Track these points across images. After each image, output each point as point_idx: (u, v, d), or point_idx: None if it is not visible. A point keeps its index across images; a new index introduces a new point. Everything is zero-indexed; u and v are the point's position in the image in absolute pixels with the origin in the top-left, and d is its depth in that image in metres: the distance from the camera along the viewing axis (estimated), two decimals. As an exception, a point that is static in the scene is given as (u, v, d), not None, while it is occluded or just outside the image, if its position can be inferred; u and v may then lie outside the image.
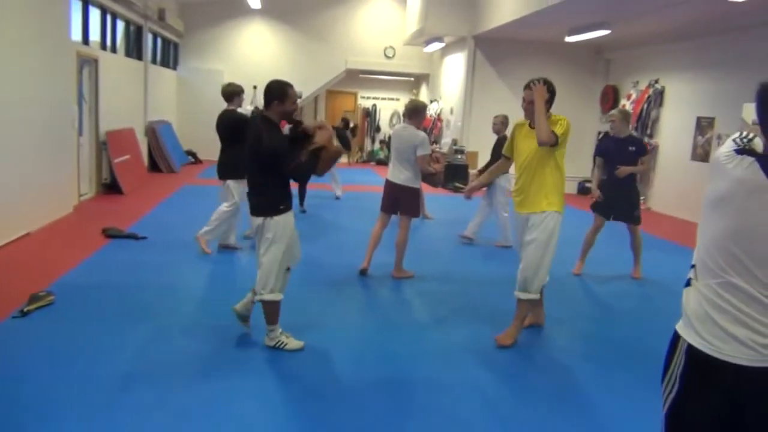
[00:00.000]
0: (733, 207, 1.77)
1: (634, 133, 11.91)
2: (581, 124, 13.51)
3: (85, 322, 4.43)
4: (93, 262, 6.03)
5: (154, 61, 14.00)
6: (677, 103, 11.08)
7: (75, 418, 3.10)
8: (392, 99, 19.12)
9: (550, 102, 4.23)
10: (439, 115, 15.71)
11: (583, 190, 13.21)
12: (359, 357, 4.10)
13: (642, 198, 11.72)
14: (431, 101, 16.41)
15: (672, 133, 11.20)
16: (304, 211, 9.16)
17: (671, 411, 1.90)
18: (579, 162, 13.54)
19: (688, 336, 1.85)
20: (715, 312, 1.78)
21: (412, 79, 18.61)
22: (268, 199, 3.93)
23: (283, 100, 3.88)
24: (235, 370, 3.76)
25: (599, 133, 13.30)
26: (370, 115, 18.91)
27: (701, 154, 10.34)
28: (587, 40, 12.04)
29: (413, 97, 18.92)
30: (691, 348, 1.83)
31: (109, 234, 7.02)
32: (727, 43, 9.70)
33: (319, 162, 3.95)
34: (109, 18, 11.13)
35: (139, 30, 12.81)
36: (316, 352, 4.10)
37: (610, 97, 12.95)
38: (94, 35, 10.55)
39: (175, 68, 15.99)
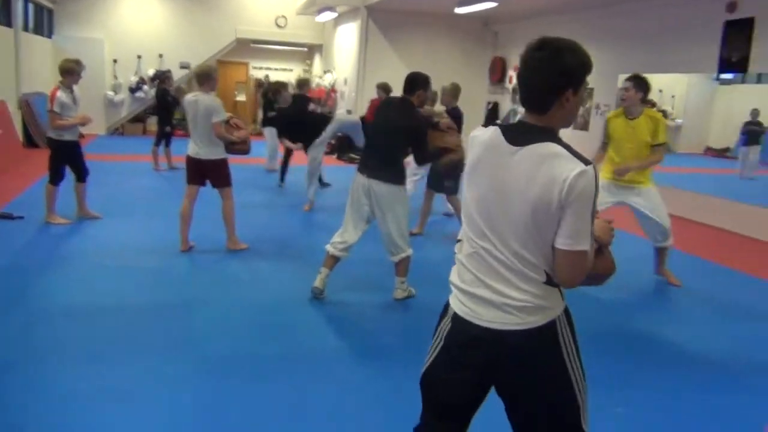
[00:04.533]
0: (483, 172, 1.84)
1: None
2: (472, 94, 13.82)
3: (-44, 309, 4.12)
4: (-37, 245, 5.61)
5: (25, 29, 12.98)
6: (560, 74, 11.57)
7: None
8: (285, 70, 18.77)
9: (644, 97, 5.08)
10: (333, 86, 15.62)
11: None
12: (257, 329, 4.08)
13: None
14: (325, 72, 16.27)
15: (556, 103, 11.70)
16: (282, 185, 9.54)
17: (429, 370, 1.97)
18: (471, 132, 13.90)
19: (454, 304, 1.92)
20: (472, 280, 1.85)
21: (305, 49, 18.35)
22: (398, 170, 4.47)
23: (426, 90, 4.48)
24: (123, 350, 3.64)
25: (488, 103, 13.70)
26: (262, 86, 18.51)
27: (581, 123, 10.88)
28: (476, 11, 12.28)
29: (306, 68, 18.68)
30: (456, 314, 1.90)
31: (-19, 215, 6.53)
32: (606, 16, 10.21)
33: (439, 159, 4.61)
34: (-30, -20, 10.19)
35: (6, -6, 11.82)
36: (207, 328, 4.05)
37: (498, 69, 13.34)
38: (-46, -1, 9.64)
39: (50, 36, 14.91)
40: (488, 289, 1.81)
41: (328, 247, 4.64)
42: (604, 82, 10.32)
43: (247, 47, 17.44)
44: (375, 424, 3.01)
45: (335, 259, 4.64)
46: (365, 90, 13.40)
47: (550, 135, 1.77)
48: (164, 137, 10.41)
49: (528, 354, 1.80)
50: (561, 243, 1.73)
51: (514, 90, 12.60)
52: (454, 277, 1.94)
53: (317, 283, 4.62)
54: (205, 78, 5.56)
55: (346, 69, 14.53)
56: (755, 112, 9.14)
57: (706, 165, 11.10)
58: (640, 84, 4.98)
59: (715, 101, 10.62)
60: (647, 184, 5.25)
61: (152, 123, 14.44)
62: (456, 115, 6.36)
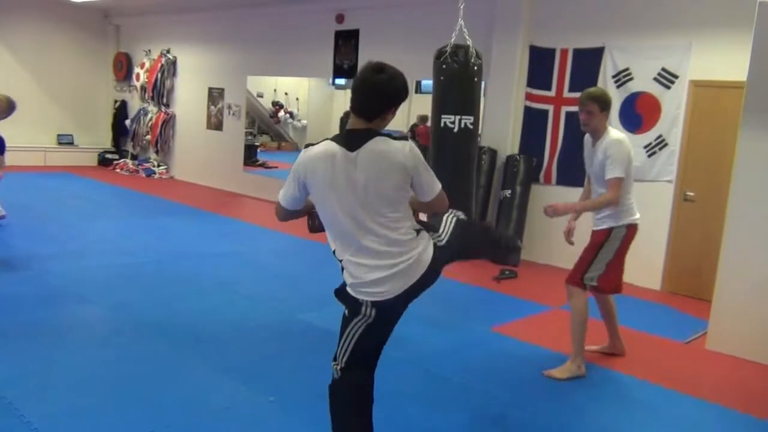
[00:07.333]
0: (337, 181, 2.23)
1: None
2: (95, 91, 12.87)
3: None
4: None
5: None
6: (190, 73, 11.47)
7: None
8: None
9: None
10: None
11: (104, 161, 12.67)
12: None
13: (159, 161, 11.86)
14: None
15: (187, 103, 11.57)
16: None
17: (361, 336, 2.36)
18: (98, 133, 12.92)
19: (367, 297, 2.31)
20: (369, 268, 2.28)
21: None
22: None
23: None
24: None
25: (116, 101, 12.88)
26: None
27: (215, 123, 10.97)
28: (94, 2, 11.47)
29: None
30: (375, 302, 2.31)
31: None
32: (227, 18, 10.43)
33: None
34: None
35: None
36: None
37: (124, 65, 12.62)
38: None
39: None
40: (388, 266, 2.27)
41: None
42: (234, 83, 10.56)
43: None
44: None
45: None
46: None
47: (374, 132, 2.28)
48: None
49: (427, 279, 2.38)
50: (429, 195, 2.37)
51: (142, 88, 12.07)
52: (350, 278, 2.33)
53: None
54: None
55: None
56: (348, 113, 10.41)
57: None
58: None
59: (334, 103, 11.72)
60: None
61: None
62: None
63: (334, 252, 2.37)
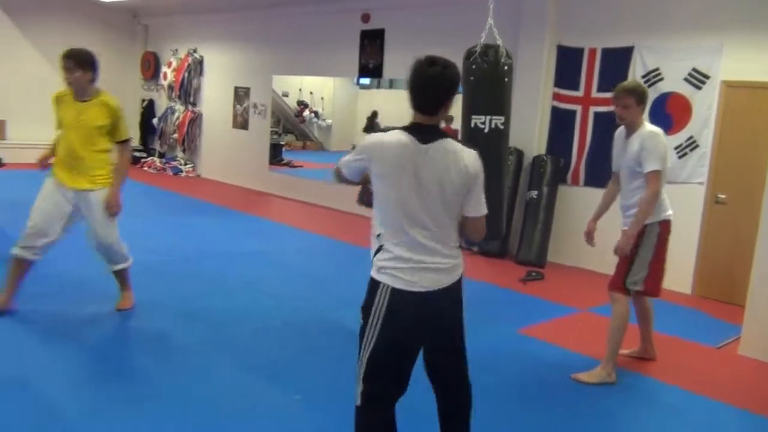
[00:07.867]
0: (404, 170, 2.23)
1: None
2: (123, 90, 12.97)
3: None
4: None
5: None
6: (216, 72, 11.56)
7: None
8: None
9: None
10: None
11: (131, 159, 12.79)
12: None
13: (189, 165, 11.96)
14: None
15: (214, 102, 11.66)
16: None
17: (378, 344, 2.29)
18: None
19: (389, 281, 2.28)
20: (409, 259, 2.27)
21: None
22: None
23: None
24: None
25: (143, 100, 13.03)
26: None
27: (241, 122, 11.05)
28: (123, 2, 11.60)
29: None
30: (394, 288, 2.27)
31: None
32: (253, 18, 10.49)
33: None
34: None
35: None
36: None
37: (152, 64, 12.77)
38: None
39: None
40: (425, 262, 2.28)
41: None
42: (260, 82, 10.61)
43: None
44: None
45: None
46: (-7, 82, 11.56)
47: (444, 133, 2.33)
48: None
49: (455, 297, 2.40)
50: (473, 211, 2.37)
51: (169, 87, 12.18)
52: (387, 262, 2.30)
53: None
54: None
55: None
56: (374, 113, 10.59)
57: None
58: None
59: (358, 103, 11.71)
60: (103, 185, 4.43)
61: None
62: None
63: (378, 236, 2.35)
